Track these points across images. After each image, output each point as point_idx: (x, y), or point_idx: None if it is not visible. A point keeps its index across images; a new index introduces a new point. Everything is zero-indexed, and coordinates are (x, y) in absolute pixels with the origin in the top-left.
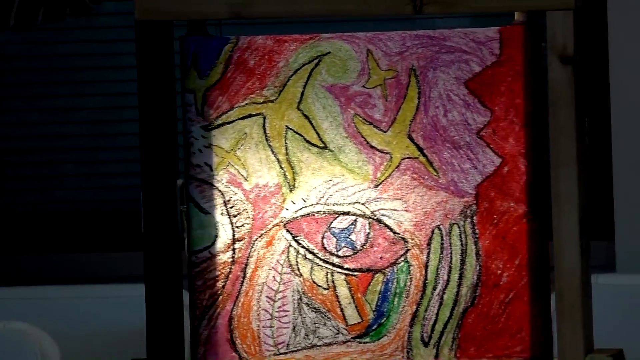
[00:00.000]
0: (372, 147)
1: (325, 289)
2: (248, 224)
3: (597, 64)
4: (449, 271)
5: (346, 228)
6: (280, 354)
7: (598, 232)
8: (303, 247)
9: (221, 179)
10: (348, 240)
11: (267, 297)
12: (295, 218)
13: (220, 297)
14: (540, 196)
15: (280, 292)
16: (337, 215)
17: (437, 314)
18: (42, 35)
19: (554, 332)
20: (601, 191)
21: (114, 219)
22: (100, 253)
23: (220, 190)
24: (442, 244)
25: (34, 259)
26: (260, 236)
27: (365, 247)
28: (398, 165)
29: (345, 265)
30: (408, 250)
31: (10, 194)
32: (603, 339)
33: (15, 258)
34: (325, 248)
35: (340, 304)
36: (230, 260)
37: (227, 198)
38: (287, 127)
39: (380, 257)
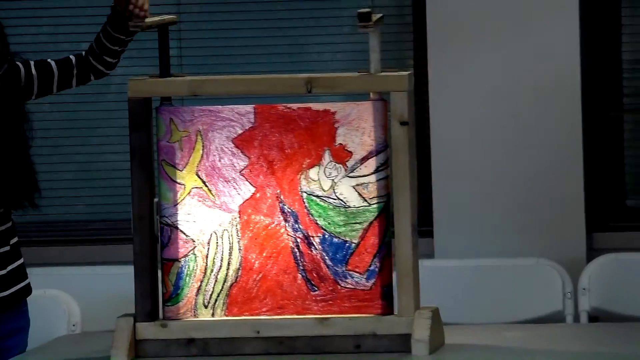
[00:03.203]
0: (173, 180)
1: None
2: None
3: (421, 123)
4: (221, 260)
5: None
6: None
7: (423, 232)
8: None
9: None
10: (160, 239)
11: None
12: None
13: None
14: (280, 210)
15: None
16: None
17: (213, 287)
18: (71, 106)
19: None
20: (425, 207)
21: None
22: (104, 245)
23: None
24: (217, 242)
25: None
26: None
27: (169, 244)
28: (189, 192)
29: (159, 256)
30: (195, 247)
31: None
32: (426, 301)
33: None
34: None
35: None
36: None
37: None
38: None
39: (178, 251)
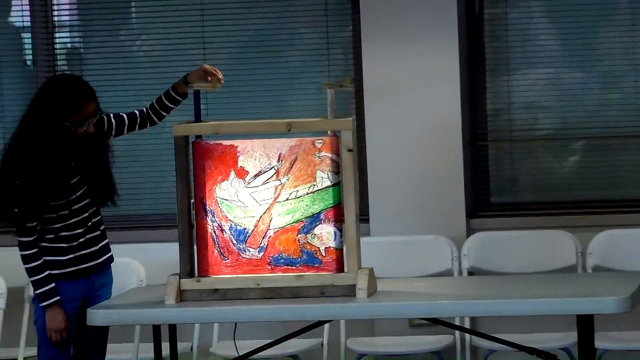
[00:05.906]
0: None
1: None
2: None
3: (360, 149)
4: None
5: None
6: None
7: (363, 219)
8: None
9: None
10: None
11: None
12: None
13: None
14: (203, 209)
15: None
16: None
17: None
18: (140, 141)
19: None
20: (363, 203)
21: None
22: (159, 229)
23: None
24: None
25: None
26: None
27: None
28: None
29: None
30: None
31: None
32: (365, 263)
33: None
34: None
35: None
36: None
37: None
38: None
39: None
